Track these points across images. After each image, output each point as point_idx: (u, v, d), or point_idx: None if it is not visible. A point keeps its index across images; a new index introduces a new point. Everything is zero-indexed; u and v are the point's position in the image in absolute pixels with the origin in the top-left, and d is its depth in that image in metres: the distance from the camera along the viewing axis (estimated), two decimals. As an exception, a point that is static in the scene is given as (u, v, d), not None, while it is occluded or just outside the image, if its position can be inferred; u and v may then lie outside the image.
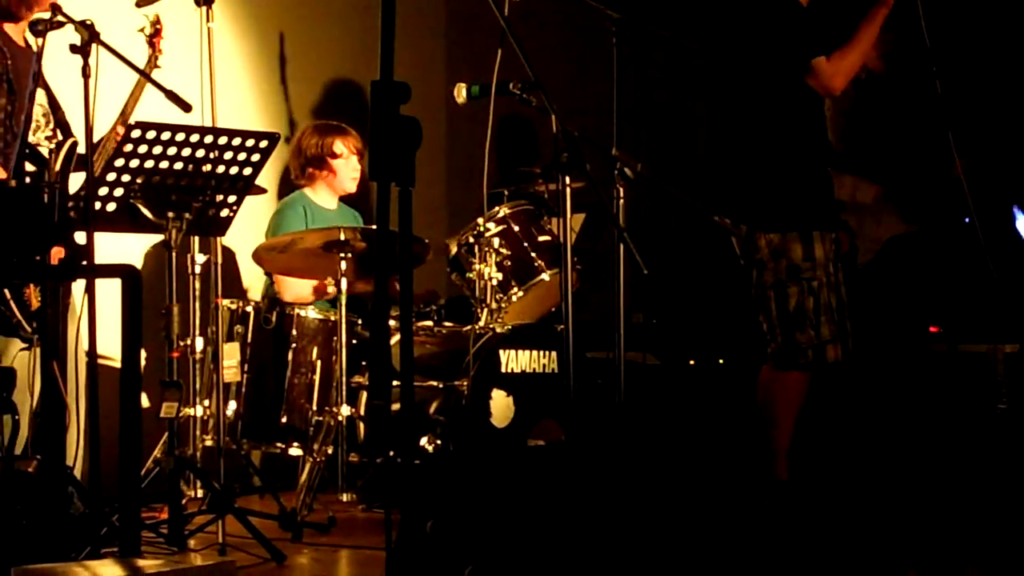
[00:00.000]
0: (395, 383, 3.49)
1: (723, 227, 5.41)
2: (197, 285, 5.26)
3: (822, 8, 5.39)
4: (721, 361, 6.92)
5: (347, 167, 6.30)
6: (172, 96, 4.48)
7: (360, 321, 5.79)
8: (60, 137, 4.92)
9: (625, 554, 3.59)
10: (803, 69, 5.23)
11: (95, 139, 4.60)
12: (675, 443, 6.47)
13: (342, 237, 5.40)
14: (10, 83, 4.77)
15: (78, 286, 4.66)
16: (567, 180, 4.27)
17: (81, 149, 4.70)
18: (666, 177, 5.08)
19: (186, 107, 4.48)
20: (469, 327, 5.68)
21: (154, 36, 5.29)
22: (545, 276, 5.78)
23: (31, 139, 4.79)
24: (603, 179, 4.47)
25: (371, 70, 7.40)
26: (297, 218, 6.19)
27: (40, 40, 4.46)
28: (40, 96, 4.84)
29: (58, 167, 4.71)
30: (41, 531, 4.03)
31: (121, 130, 4.89)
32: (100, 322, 4.26)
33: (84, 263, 4.21)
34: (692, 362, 6.89)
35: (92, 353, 4.27)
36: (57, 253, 4.48)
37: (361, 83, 7.12)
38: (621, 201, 4.66)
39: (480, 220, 5.75)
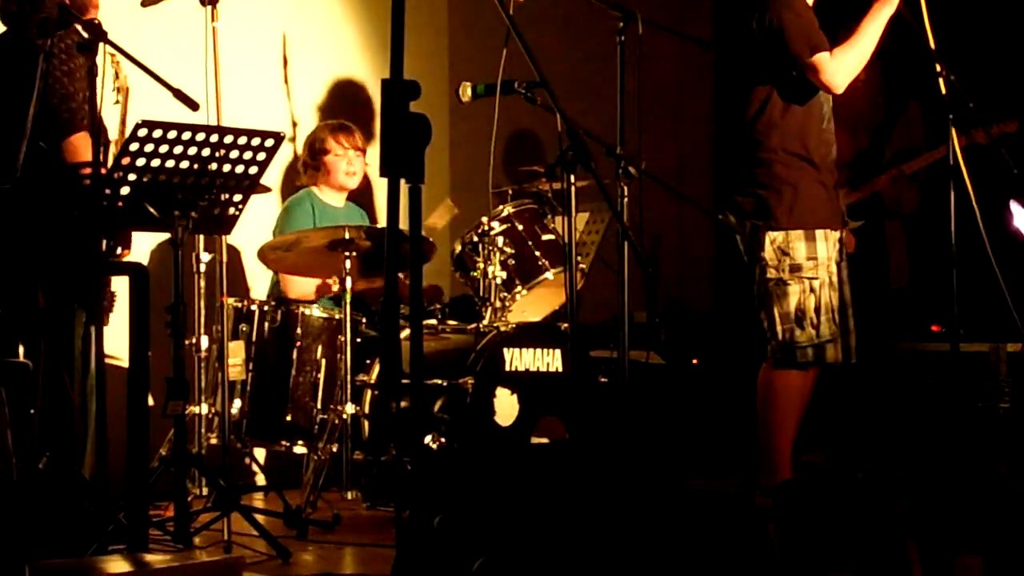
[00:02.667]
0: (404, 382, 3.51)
1: (727, 225, 5.44)
2: (202, 283, 5.28)
3: (827, 5, 5.41)
4: (695, 362, 6.93)
5: (340, 163, 6.32)
6: (179, 94, 4.48)
7: (364, 320, 5.81)
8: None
9: (628, 552, 3.60)
10: (805, 66, 5.25)
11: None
12: (678, 442, 6.49)
13: (347, 236, 5.42)
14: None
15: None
16: (572, 178, 4.29)
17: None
18: (670, 176, 5.11)
19: (194, 105, 4.48)
20: (473, 325, 5.69)
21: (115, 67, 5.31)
22: (549, 275, 5.79)
23: None
24: (608, 178, 4.48)
25: (371, 69, 7.41)
26: (305, 215, 6.22)
27: (48, 40, 4.47)
28: None
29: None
30: (48, 528, 4.04)
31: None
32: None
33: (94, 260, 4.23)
34: (695, 361, 6.91)
35: (99, 352, 4.29)
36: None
37: (362, 82, 7.14)
38: (625, 200, 4.68)
39: (484, 219, 5.77)
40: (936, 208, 6.50)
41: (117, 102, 5.10)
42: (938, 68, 5.14)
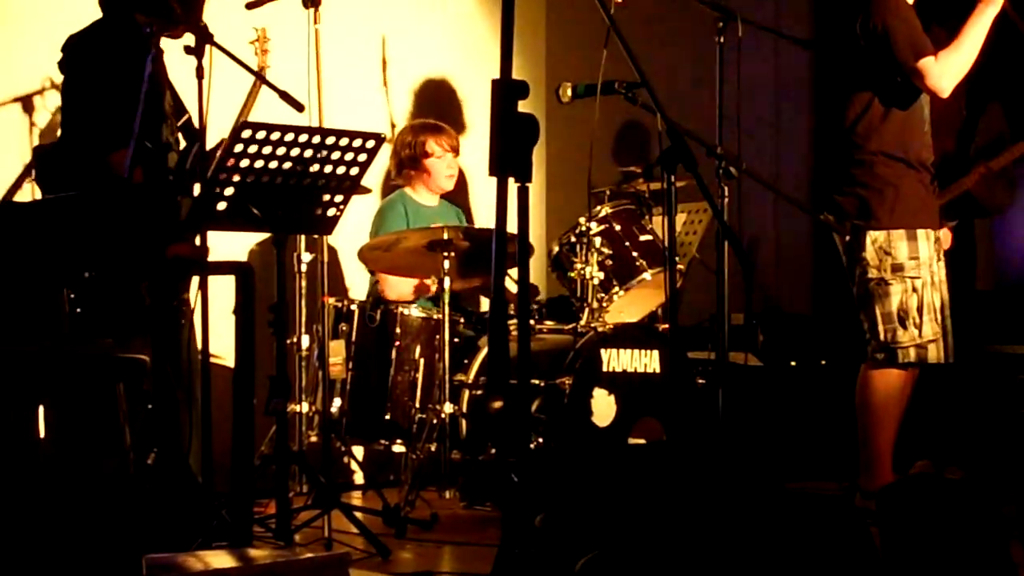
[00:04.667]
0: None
1: (827, 225, 5.40)
2: (303, 283, 5.32)
3: (931, 8, 5.36)
4: (793, 364, 6.88)
5: (441, 165, 6.34)
6: (285, 96, 4.52)
7: (462, 320, 5.84)
8: (184, 139, 5.01)
9: (728, 554, 3.59)
10: (911, 71, 5.21)
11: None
12: (777, 444, 6.46)
13: (445, 236, 5.45)
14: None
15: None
16: (672, 178, 4.28)
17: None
18: (768, 177, 5.07)
19: (299, 107, 4.53)
20: (571, 326, 5.70)
21: (263, 47, 5.38)
22: (647, 275, 5.78)
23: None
24: (707, 178, 4.46)
25: (467, 71, 7.41)
26: (398, 217, 6.25)
27: (158, 41, 4.53)
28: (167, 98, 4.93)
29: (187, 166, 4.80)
30: (155, 522, 4.10)
31: None
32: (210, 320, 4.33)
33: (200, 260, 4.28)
34: (793, 363, 6.86)
35: (204, 351, 4.34)
36: (178, 250, 4.56)
37: (458, 82, 7.18)
38: (726, 200, 4.66)
39: (582, 219, 5.77)
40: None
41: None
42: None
